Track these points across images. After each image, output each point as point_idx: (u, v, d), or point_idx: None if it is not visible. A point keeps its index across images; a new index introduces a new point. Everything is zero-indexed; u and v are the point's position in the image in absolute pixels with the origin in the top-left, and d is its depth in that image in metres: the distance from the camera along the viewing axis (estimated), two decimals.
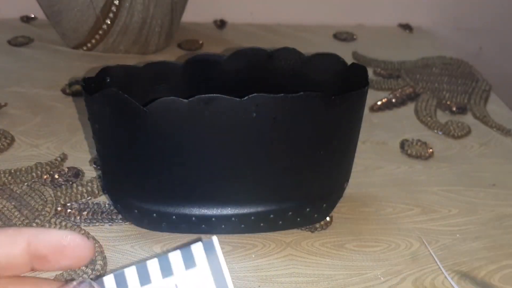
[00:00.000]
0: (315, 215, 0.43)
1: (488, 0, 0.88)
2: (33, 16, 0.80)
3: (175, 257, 0.22)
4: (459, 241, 0.43)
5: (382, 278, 0.39)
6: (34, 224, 0.42)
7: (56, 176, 0.48)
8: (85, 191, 0.46)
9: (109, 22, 0.66)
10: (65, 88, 0.62)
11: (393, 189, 0.49)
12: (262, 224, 0.41)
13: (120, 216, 0.43)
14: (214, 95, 0.35)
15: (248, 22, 0.83)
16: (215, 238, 0.23)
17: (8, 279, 0.28)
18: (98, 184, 0.47)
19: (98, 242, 0.41)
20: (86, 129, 0.54)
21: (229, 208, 0.40)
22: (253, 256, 0.41)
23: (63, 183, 0.47)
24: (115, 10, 0.65)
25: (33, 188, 0.46)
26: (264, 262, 0.40)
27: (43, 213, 0.43)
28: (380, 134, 0.57)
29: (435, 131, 0.58)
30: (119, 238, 0.42)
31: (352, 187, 0.46)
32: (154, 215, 0.40)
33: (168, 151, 0.37)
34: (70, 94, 0.61)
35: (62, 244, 0.27)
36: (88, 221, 0.43)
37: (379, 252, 0.42)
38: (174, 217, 0.40)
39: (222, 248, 0.41)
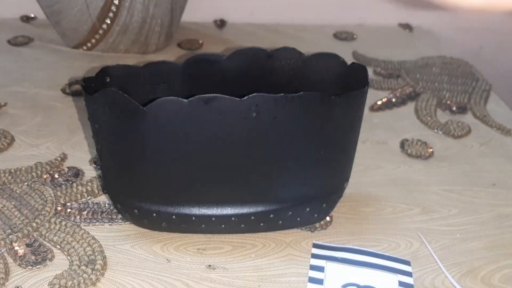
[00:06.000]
0: (315, 215, 0.43)
1: None
2: (33, 16, 0.80)
3: None
4: (459, 241, 0.43)
5: None
6: (34, 224, 0.42)
7: (56, 176, 0.48)
8: (85, 190, 0.46)
9: (109, 22, 0.66)
10: (65, 88, 0.62)
11: (393, 189, 0.49)
12: (262, 224, 0.41)
13: (120, 216, 0.43)
14: (214, 95, 0.35)
15: (248, 22, 0.83)
16: None
17: None
18: (98, 184, 0.47)
19: (98, 241, 0.41)
20: (86, 129, 0.54)
21: (229, 208, 0.40)
22: (253, 256, 0.41)
23: (63, 182, 0.47)
24: (115, 9, 0.65)
25: (33, 187, 0.46)
26: (264, 262, 0.40)
27: (43, 212, 0.43)
28: (380, 134, 0.57)
29: (435, 130, 0.58)
30: (119, 238, 0.42)
31: (352, 187, 0.46)
32: (154, 215, 0.40)
33: (168, 150, 0.37)
34: (70, 94, 0.61)
35: None
36: (88, 220, 0.43)
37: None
38: (174, 217, 0.40)
39: (222, 248, 0.41)
